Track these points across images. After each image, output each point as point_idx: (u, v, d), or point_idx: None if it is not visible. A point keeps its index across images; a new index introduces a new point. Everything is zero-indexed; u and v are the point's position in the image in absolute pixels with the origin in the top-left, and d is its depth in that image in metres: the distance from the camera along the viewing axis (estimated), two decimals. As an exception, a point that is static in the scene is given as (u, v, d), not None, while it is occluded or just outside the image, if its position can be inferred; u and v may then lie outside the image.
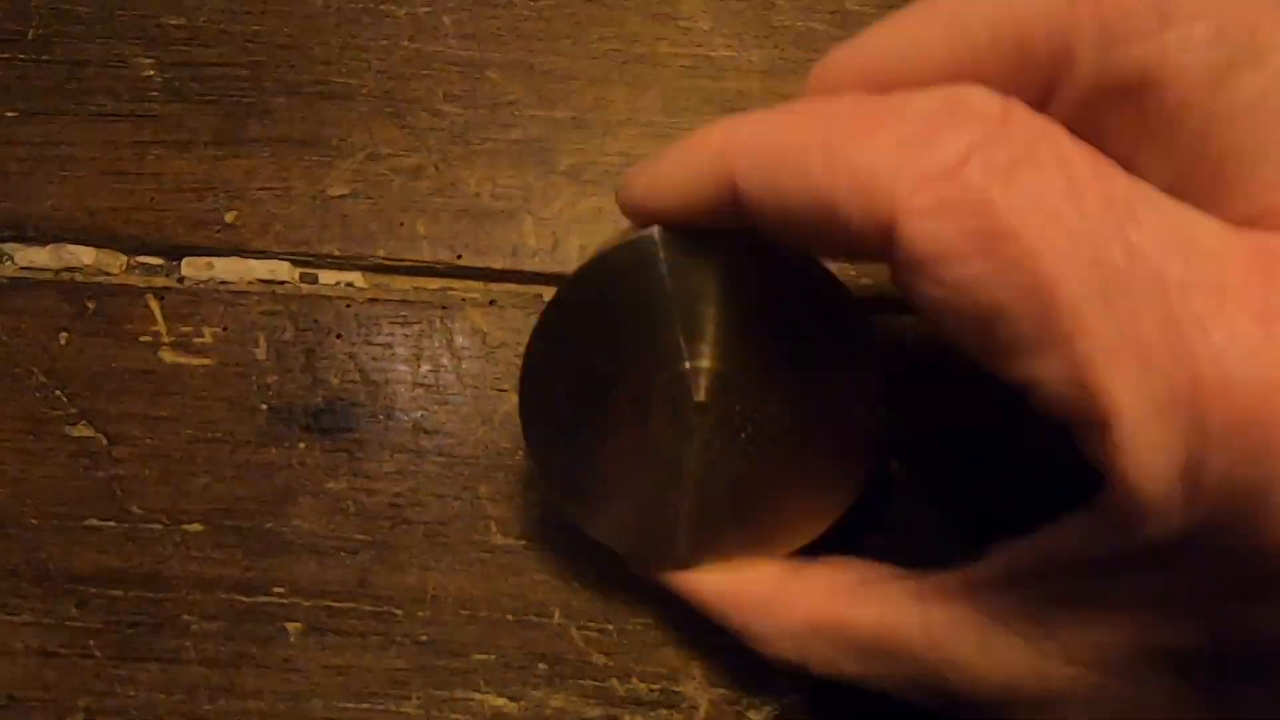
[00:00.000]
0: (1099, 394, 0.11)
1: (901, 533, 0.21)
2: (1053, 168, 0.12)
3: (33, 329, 0.22)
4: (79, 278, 0.22)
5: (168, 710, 0.20)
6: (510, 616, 0.20)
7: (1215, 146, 0.13)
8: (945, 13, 0.14)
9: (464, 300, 0.22)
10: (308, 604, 0.20)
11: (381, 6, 0.24)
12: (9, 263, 0.22)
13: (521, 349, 0.22)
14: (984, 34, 0.13)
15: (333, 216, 0.23)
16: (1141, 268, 0.11)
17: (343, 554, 0.20)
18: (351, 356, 0.22)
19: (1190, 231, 0.12)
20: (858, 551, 0.18)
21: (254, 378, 0.21)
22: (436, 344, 0.22)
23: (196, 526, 0.21)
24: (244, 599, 0.20)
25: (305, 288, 0.22)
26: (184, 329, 0.22)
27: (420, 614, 0.20)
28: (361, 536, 0.20)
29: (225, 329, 0.22)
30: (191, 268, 0.22)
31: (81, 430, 0.21)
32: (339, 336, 0.22)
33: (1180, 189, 0.12)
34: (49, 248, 0.22)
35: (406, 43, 0.24)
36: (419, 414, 0.21)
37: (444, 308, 0.22)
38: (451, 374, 0.21)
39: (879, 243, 0.12)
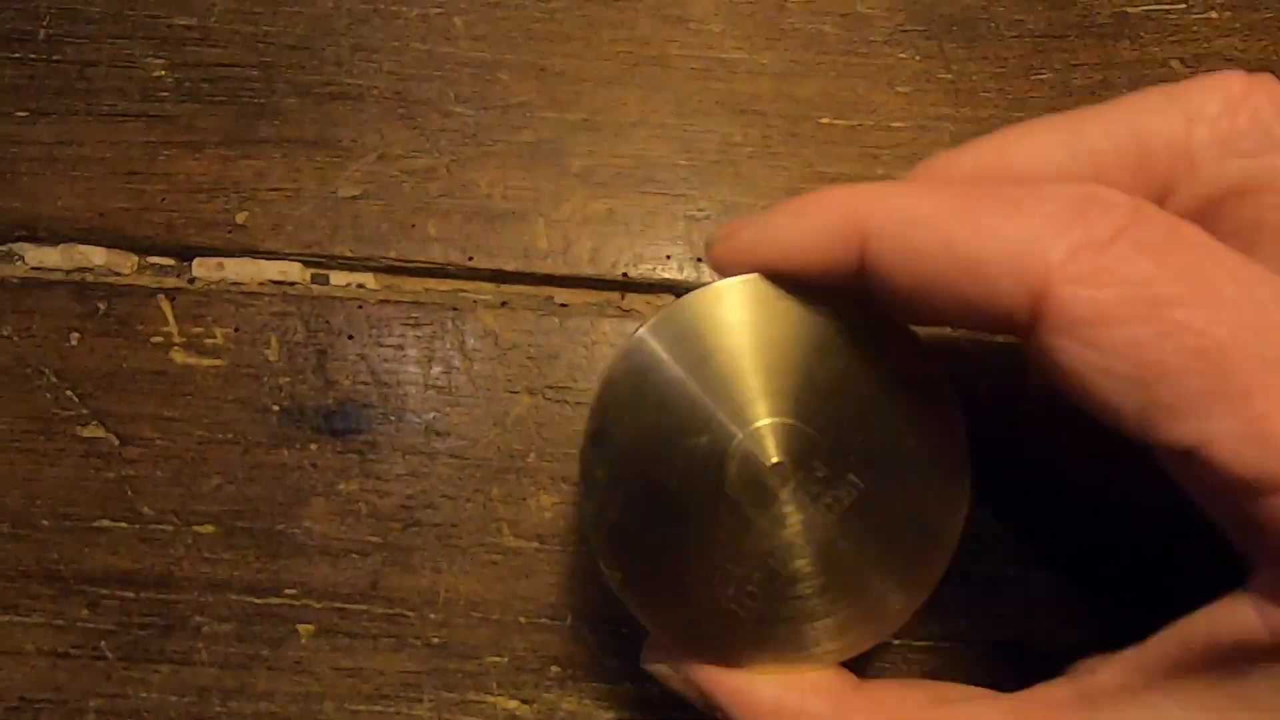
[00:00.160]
0: None
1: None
2: (1199, 249, 0.12)
3: (44, 329, 0.22)
4: (90, 278, 0.22)
5: (179, 712, 0.20)
6: (522, 619, 0.20)
7: None
8: (1066, 123, 0.15)
9: (475, 302, 0.22)
10: (319, 606, 0.20)
11: (393, 7, 0.24)
12: (20, 263, 0.22)
13: (533, 350, 0.22)
14: (1104, 142, 0.15)
15: (344, 218, 0.23)
16: None
17: (354, 556, 0.20)
18: (363, 358, 0.22)
19: None
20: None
21: (265, 379, 0.21)
22: (448, 345, 0.22)
23: (208, 528, 0.20)
24: (255, 600, 0.20)
25: (316, 289, 0.22)
26: (195, 330, 0.22)
27: (432, 616, 0.20)
28: (373, 538, 0.20)
29: (237, 330, 0.22)
30: (203, 268, 0.22)
31: (93, 431, 0.21)
32: (351, 338, 0.22)
33: None
34: (60, 248, 0.22)
35: (418, 44, 0.24)
36: (431, 416, 0.21)
37: (455, 309, 0.22)
38: (463, 375, 0.21)
39: (1025, 308, 0.12)
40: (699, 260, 0.23)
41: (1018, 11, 0.24)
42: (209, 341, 0.22)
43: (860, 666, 0.20)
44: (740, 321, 0.15)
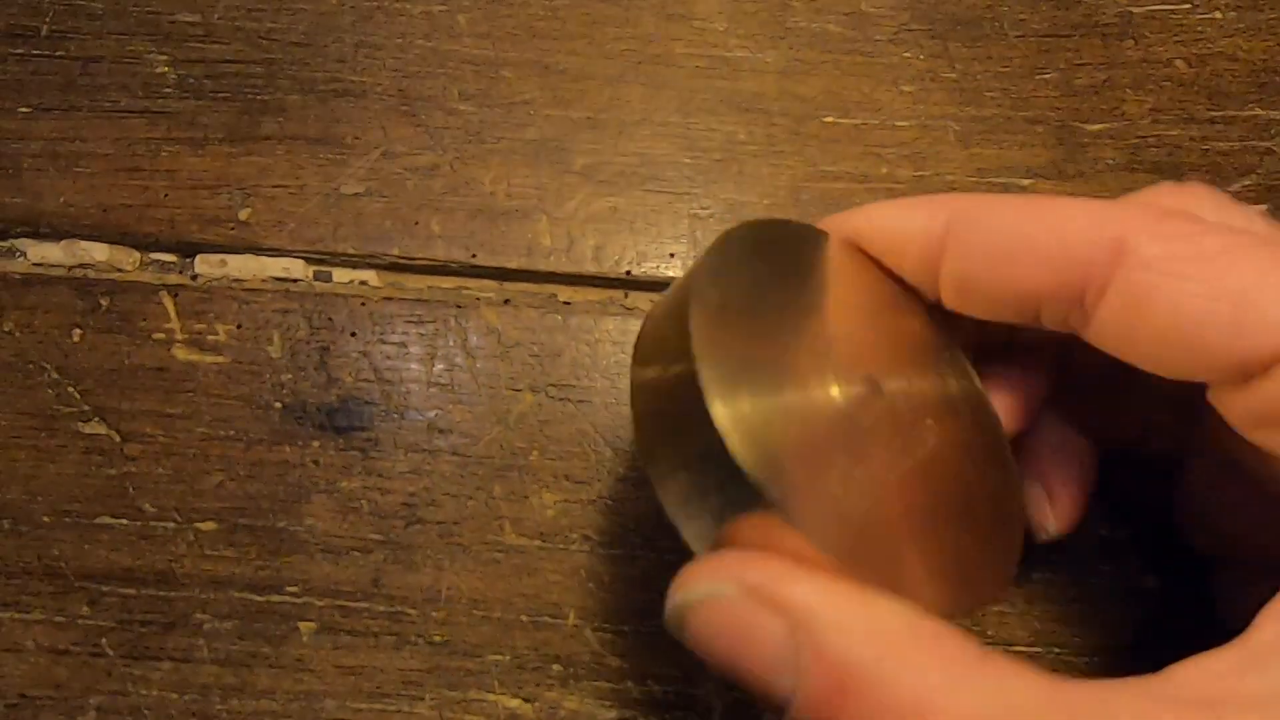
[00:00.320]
0: None
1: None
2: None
3: (46, 325, 0.22)
4: (92, 274, 0.22)
5: (180, 710, 0.20)
6: (524, 617, 0.20)
7: None
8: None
9: (479, 299, 0.22)
10: (321, 603, 0.20)
11: (396, 4, 0.24)
12: (22, 259, 0.22)
13: (536, 348, 0.22)
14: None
15: (347, 214, 0.23)
16: None
17: (356, 553, 0.20)
18: (366, 355, 0.21)
19: None
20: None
21: (268, 376, 0.21)
22: (451, 343, 0.22)
23: (210, 525, 0.20)
24: (257, 598, 0.20)
25: (319, 286, 0.22)
26: (198, 326, 0.22)
27: (434, 614, 0.20)
28: (375, 536, 0.20)
29: (239, 326, 0.22)
30: (205, 265, 0.22)
31: (94, 427, 0.21)
32: (353, 335, 0.22)
33: None
34: (62, 244, 0.22)
35: (421, 41, 0.24)
36: (433, 413, 0.21)
37: (458, 307, 0.22)
38: (466, 373, 0.21)
39: (1105, 255, 0.13)
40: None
41: (1022, 11, 0.24)
42: (211, 338, 0.22)
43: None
44: (821, 271, 0.16)
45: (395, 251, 0.22)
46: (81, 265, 0.22)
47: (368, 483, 0.21)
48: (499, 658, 0.20)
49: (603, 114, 0.23)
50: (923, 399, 0.16)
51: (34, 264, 0.22)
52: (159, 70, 0.24)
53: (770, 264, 0.15)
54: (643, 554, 0.20)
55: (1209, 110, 0.23)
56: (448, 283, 0.22)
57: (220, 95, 0.23)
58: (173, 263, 0.22)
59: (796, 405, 0.13)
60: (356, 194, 0.23)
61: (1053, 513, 0.17)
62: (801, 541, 0.12)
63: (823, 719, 0.11)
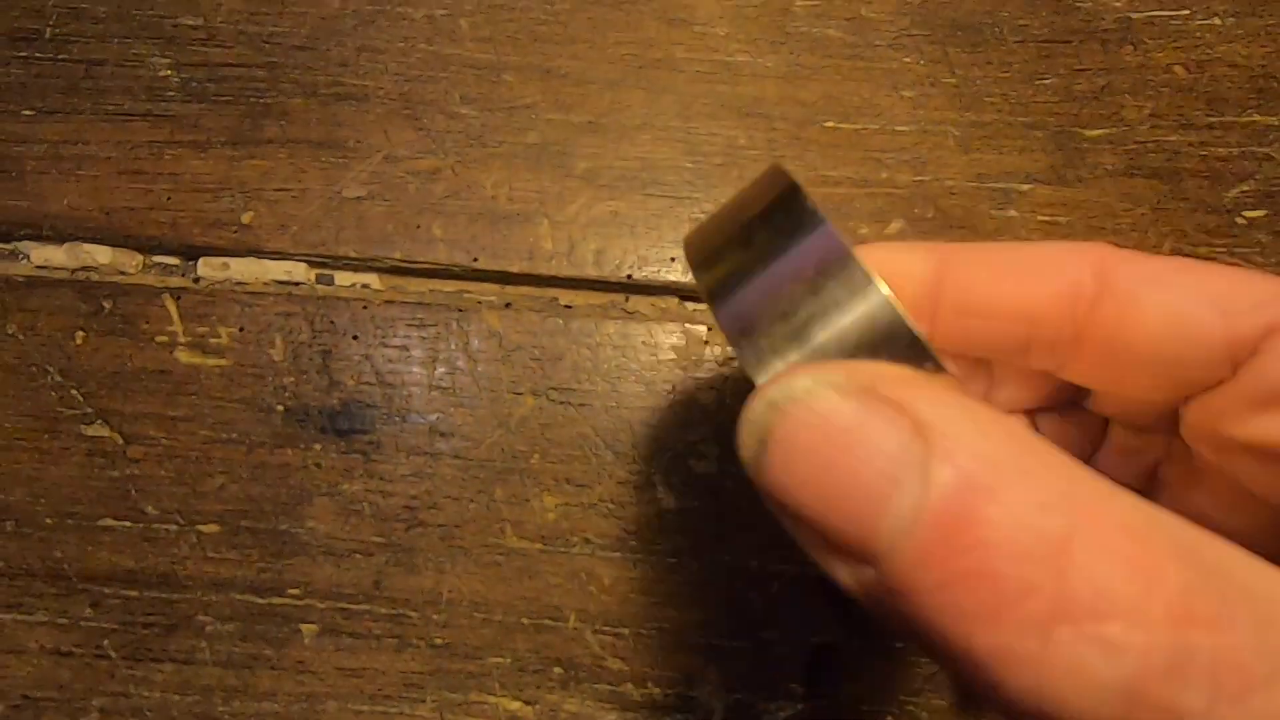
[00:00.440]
0: None
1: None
2: None
3: (49, 328, 0.22)
4: (95, 277, 0.22)
5: (182, 711, 0.20)
6: (525, 620, 0.20)
7: None
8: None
9: (480, 303, 0.22)
10: (323, 606, 0.20)
11: (398, 9, 0.24)
12: (25, 261, 0.22)
13: (537, 352, 0.22)
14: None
15: (349, 218, 0.23)
16: None
17: (358, 556, 0.20)
18: (367, 358, 0.22)
19: None
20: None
21: (270, 379, 0.21)
22: (452, 346, 0.22)
23: (212, 527, 0.20)
24: (259, 600, 0.20)
25: (321, 289, 0.22)
26: (200, 329, 0.22)
27: (435, 616, 0.20)
28: (377, 538, 0.20)
29: (241, 330, 0.22)
30: (208, 268, 0.22)
31: (97, 430, 0.21)
32: (355, 338, 0.22)
33: None
34: (65, 246, 0.22)
35: (423, 45, 0.24)
36: (435, 416, 0.21)
37: (460, 310, 0.22)
38: (467, 376, 0.21)
39: (1255, 336, 0.13)
40: (715, 326, 0.23)
41: (1022, 17, 0.24)
42: (214, 341, 0.22)
43: (871, 659, 0.20)
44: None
45: (397, 255, 0.22)
46: (84, 268, 0.22)
47: (369, 486, 0.21)
48: (500, 660, 0.20)
49: (604, 118, 0.23)
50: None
51: (37, 266, 0.22)
52: (162, 74, 0.24)
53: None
54: (643, 557, 0.20)
55: (1207, 116, 0.24)
56: (449, 286, 0.22)
57: (223, 99, 0.23)
58: (175, 266, 0.23)
59: None
60: (358, 197, 0.23)
61: None
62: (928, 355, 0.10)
63: (952, 528, 0.09)
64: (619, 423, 0.21)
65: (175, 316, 0.22)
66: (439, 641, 0.20)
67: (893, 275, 0.16)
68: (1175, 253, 0.23)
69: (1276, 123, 0.23)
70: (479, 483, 0.21)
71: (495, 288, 0.23)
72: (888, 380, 0.10)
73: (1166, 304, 0.13)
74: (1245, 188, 0.23)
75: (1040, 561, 0.08)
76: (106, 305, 0.22)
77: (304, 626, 0.20)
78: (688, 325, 0.22)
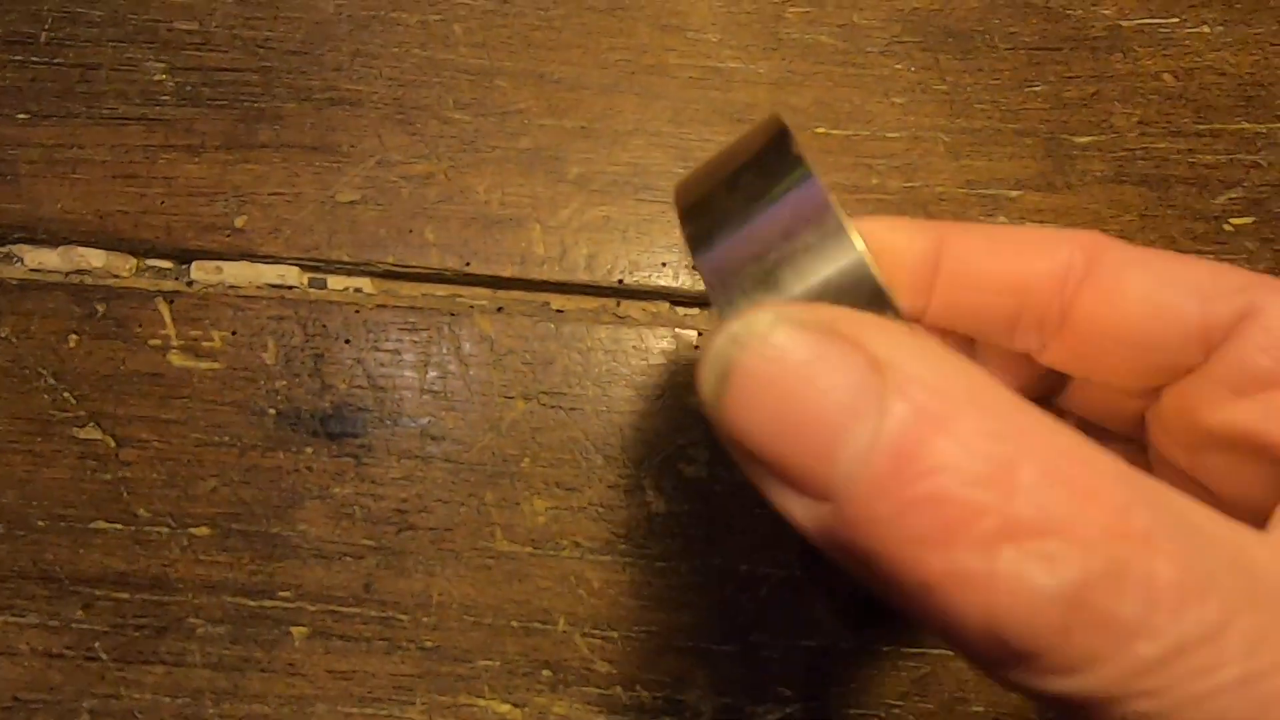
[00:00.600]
0: None
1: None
2: None
3: (42, 331, 0.22)
4: (89, 280, 0.22)
5: (172, 713, 0.20)
6: (515, 623, 0.20)
7: None
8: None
9: (472, 307, 0.22)
10: (313, 608, 0.20)
11: (392, 14, 0.24)
12: (19, 264, 0.22)
13: (529, 356, 0.22)
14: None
15: (342, 222, 0.23)
16: None
17: (348, 559, 0.20)
18: (359, 362, 0.22)
19: None
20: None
21: (262, 382, 0.21)
22: (444, 350, 0.22)
23: (203, 530, 0.21)
24: (250, 603, 0.20)
25: (314, 293, 0.22)
26: (193, 333, 0.22)
27: (425, 619, 0.20)
28: (367, 542, 0.21)
29: (234, 333, 0.22)
30: (201, 271, 0.22)
31: (89, 432, 0.21)
32: (347, 342, 0.22)
33: None
34: (59, 250, 0.22)
35: (417, 50, 0.24)
36: (426, 420, 0.21)
37: (452, 314, 0.22)
38: (459, 380, 0.22)
39: (1228, 319, 0.13)
40: (694, 268, 0.23)
41: (1013, 24, 0.25)
42: (206, 344, 0.22)
43: (860, 663, 0.20)
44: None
45: (390, 259, 0.23)
46: (78, 271, 0.22)
47: (360, 489, 0.21)
48: (489, 663, 0.20)
49: (596, 123, 0.24)
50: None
51: (31, 270, 0.22)
52: (157, 78, 0.24)
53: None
54: (632, 561, 0.20)
55: (1196, 123, 0.24)
56: (441, 290, 0.23)
57: (217, 103, 0.24)
58: (169, 269, 0.23)
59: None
60: (352, 202, 0.23)
61: None
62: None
63: (906, 457, 0.09)
64: (609, 427, 0.21)
65: (168, 320, 0.22)
66: (429, 644, 0.20)
67: (892, 248, 0.16)
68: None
69: (1264, 130, 0.24)
70: (470, 486, 0.21)
71: (487, 292, 0.23)
72: (846, 319, 0.10)
73: (1147, 286, 0.14)
74: (1233, 195, 0.23)
75: (988, 485, 0.09)
76: (100, 308, 0.22)
77: (294, 629, 0.20)
78: (679, 330, 0.22)
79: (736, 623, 0.20)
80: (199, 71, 0.24)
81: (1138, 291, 0.14)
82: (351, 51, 0.24)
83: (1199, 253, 0.23)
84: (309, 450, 0.21)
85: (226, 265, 0.22)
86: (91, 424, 0.21)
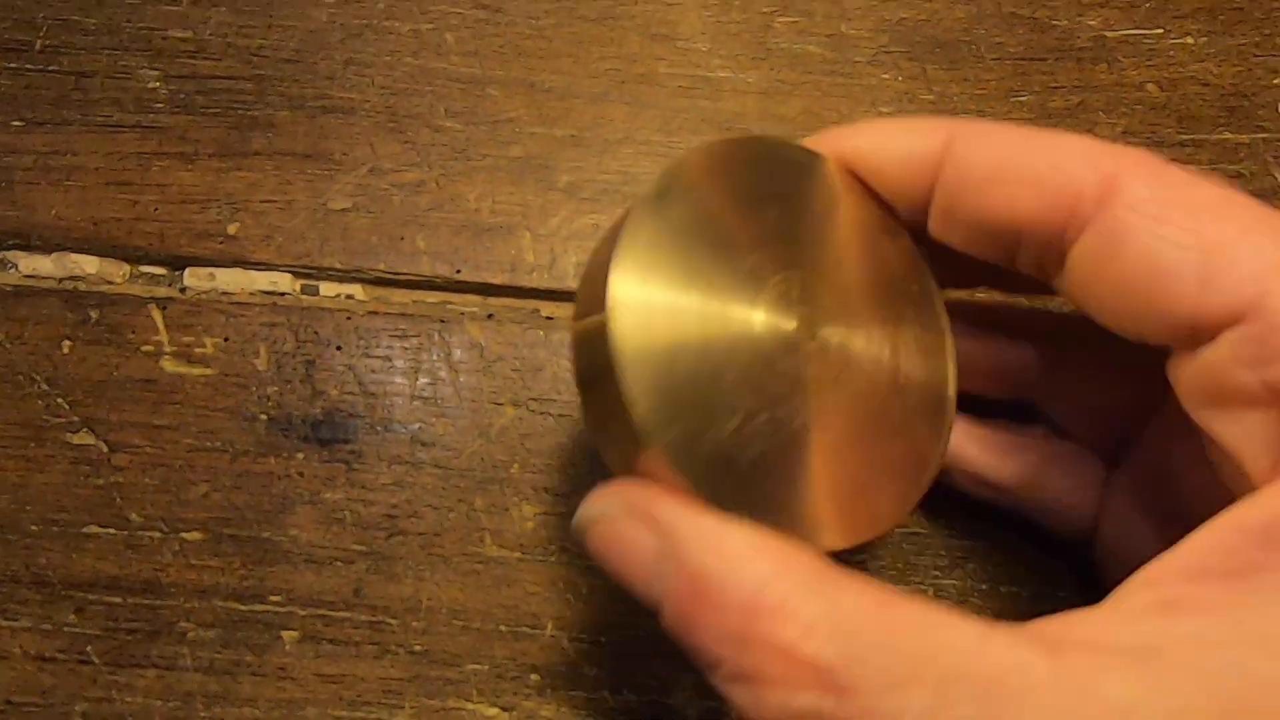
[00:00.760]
0: None
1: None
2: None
3: (35, 337, 0.22)
4: (82, 286, 0.22)
5: (164, 717, 0.20)
6: (504, 627, 0.20)
7: None
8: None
9: (462, 314, 0.22)
10: (303, 613, 0.20)
11: (385, 23, 0.25)
12: (13, 271, 0.23)
13: (518, 363, 0.22)
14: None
15: (334, 229, 0.23)
16: None
17: (339, 563, 0.21)
18: (351, 368, 0.22)
19: None
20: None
21: (254, 388, 0.22)
22: (435, 357, 0.22)
23: (195, 535, 0.21)
24: (241, 607, 0.20)
25: (306, 299, 0.23)
26: (185, 339, 0.22)
27: (414, 624, 0.20)
28: (358, 546, 0.21)
29: (226, 339, 0.22)
30: (194, 278, 0.23)
31: (82, 438, 0.21)
32: (339, 348, 0.22)
33: None
34: (53, 256, 0.23)
35: (409, 59, 0.24)
36: (416, 426, 0.21)
37: (442, 321, 0.22)
38: (449, 387, 0.22)
39: (1094, 189, 0.13)
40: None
41: (999, 35, 0.25)
42: (199, 351, 0.22)
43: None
44: (803, 175, 0.16)
45: (381, 266, 0.23)
46: (72, 277, 0.23)
47: (351, 494, 0.21)
48: (478, 667, 0.20)
49: (587, 132, 0.24)
50: (866, 340, 0.16)
51: (25, 276, 0.23)
52: (150, 85, 0.24)
53: (739, 185, 0.15)
54: (620, 566, 0.21)
55: (1179, 134, 0.24)
56: (432, 297, 0.23)
57: (211, 111, 0.24)
58: (162, 276, 0.23)
59: (713, 347, 0.14)
60: (344, 209, 0.23)
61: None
62: (681, 479, 0.14)
63: (682, 620, 0.13)
64: (598, 433, 0.21)
65: (161, 326, 0.22)
66: (418, 648, 0.20)
67: (890, 158, 0.16)
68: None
69: (1247, 140, 0.24)
70: (459, 492, 0.21)
71: (477, 299, 0.23)
72: (648, 500, 0.14)
73: (1147, 253, 0.13)
74: (1215, 205, 0.23)
75: (734, 611, 0.13)
76: (93, 315, 0.22)
77: (285, 633, 0.20)
78: (667, 337, 0.22)
79: (723, 627, 0.21)
80: (192, 79, 0.24)
81: (1132, 264, 0.13)
82: (344, 60, 0.24)
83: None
84: (300, 456, 0.21)
85: (219, 272, 0.23)
86: (84, 429, 0.21)
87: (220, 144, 0.23)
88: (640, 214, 0.14)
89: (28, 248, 0.23)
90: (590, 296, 0.15)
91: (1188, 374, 0.13)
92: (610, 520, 0.15)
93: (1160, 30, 0.25)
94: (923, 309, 0.17)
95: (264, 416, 0.21)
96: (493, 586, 0.21)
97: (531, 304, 0.23)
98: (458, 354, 0.22)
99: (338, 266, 0.23)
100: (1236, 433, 0.13)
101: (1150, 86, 0.24)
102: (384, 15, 0.25)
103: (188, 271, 0.23)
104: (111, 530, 0.21)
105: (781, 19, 0.25)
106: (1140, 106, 0.24)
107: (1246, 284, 0.12)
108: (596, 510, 0.15)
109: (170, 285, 0.23)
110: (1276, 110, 0.24)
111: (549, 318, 0.23)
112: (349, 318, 0.22)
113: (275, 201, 0.23)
